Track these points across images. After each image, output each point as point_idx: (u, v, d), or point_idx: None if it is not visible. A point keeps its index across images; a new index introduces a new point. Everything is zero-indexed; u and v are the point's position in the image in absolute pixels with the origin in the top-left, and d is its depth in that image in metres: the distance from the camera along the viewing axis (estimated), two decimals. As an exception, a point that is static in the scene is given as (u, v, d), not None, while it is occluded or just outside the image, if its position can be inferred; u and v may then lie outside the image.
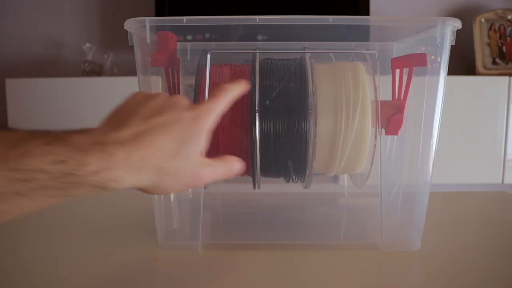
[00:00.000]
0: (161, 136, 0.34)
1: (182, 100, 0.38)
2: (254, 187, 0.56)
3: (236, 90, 0.41)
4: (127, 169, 0.32)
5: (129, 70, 1.94)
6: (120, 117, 0.35)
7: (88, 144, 0.31)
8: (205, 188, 0.58)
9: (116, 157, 0.31)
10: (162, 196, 0.55)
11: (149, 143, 0.34)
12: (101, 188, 0.32)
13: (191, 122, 0.36)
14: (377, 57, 0.53)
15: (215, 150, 0.53)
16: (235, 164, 0.41)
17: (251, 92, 0.51)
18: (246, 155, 0.53)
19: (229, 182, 0.57)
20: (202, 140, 0.37)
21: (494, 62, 1.80)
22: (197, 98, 0.53)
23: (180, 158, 0.35)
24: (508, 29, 1.81)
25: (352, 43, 0.64)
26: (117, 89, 1.59)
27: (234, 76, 0.53)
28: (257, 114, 0.50)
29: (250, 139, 0.51)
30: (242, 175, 0.53)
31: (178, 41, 0.58)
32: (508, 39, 1.80)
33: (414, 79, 0.54)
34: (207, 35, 1.40)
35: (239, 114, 0.52)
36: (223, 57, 0.57)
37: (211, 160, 0.39)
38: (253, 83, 0.51)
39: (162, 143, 0.34)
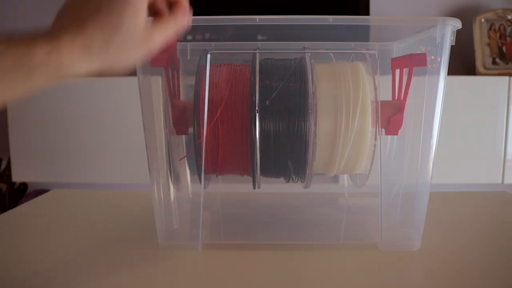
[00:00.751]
0: (102, 14, 0.36)
1: None
2: (254, 187, 0.56)
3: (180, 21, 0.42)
4: (77, 50, 0.34)
5: (129, 70, 1.93)
6: (64, 13, 0.37)
7: (35, 34, 0.33)
8: (205, 188, 0.58)
9: (63, 39, 0.33)
10: (162, 196, 0.55)
11: (91, 22, 0.35)
12: (57, 74, 0.33)
13: None
14: (377, 57, 0.53)
15: (215, 150, 0.53)
16: (183, 16, 0.42)
17: (251, 92, 0.51)
18: (246, 155, 0.53)
19: (229, 182, 0.57)
20: (140, 8, 0.37)
21: (494, 62, 1.80)
22: (197, 98, 0.53)
23: (123, 28, 0.36)
24: (508, 29, 1.81)
25: (352, 43, 0.64)
26: (117, 89, 1.59)
27: (234, 76, 0.53)
28: (257, 114, 0.50)
29: (250, 139, 0.51)
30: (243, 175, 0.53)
31: (178, 41, 0.58)
32: (508, 39, 1.80)
33: (414, 79, 0.54)
34: (207, 35, 1.40)
35: (239, 114, 0.52)
36: (223, 57, 0.57)
37: (158, 20, 0.40)
38: (253, 83, 0.51)
39: (104, 19, 0.36)
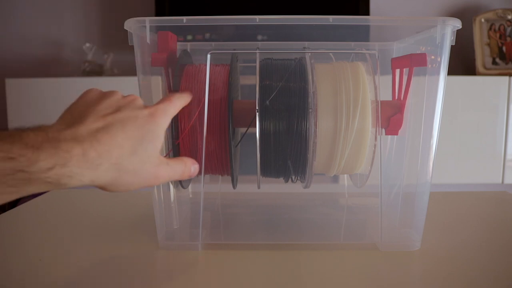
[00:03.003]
0: (119, 133, 0.35)
1: (137, 99, 0.39)
2: (234, 187, 0.56)
3: (185, 98, 0.44)
4: (85, 165, 0.32)
5: (129, 70, 1.94)
6: (76, 114, 0.35)
7: (40, 141, 0.30)
8: (185, 188, 0.58)
9: (71, 154, 0.31)
10: (162, 196, 0.55)
11: (106, 139, 0.34)
12: (57, 184, 0.31)
13: (147, 119, 0.37)
14: (377, 57, 0.53)
15: (194, 150, 0.53)
16: (191, 166, 0.42)
17: (229, 92, 0.51)
18: (226, 155, 0.53)
19: (229, 182, 0.57)
20: (159, 139, 0.38)
21: (494, 62, 1.80)
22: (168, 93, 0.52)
23: (138, 156, 0.36)
24: (508, 29, 1.81)
25: (352, 43, 0.64)
26: (117, 89, 1.59)
27: (213, 76, 0.53)
28: (257, 114, 0.50)
29: (228, 139, 0.51)
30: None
31: (178, 41, 0.58)
32: (508, 39, 1.80)
33: (414, 79, 0.54)
34: (207, 35, 1.40)
35: (218, 114, 0.52)
36: (223, 57, 0.57)
37: (169, 159, 0.40)
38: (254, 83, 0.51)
39: (120, 140, 0.34)
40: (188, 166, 0.42)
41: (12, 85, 1.69)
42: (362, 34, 0.59)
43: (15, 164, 0.29)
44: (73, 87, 1.67)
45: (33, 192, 0.31)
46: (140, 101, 0.39)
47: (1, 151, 0.28)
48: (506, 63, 1.80)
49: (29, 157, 0.29)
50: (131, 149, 0.35)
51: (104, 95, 0.38)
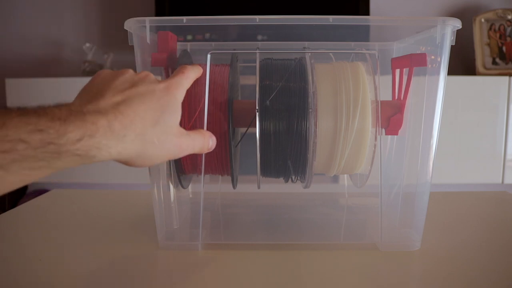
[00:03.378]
0: (139, 106, 0.36)
1: (149, 74, 0.40)
2: (234, 187, 0.56)
3: (196, 70, 0.45)
4: (111, 136, 0.33)
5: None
6: (93, 92, 0.36)
7: (66, 114, 0.31)
8: (184, 188, 0.58)
9: (98, 125, 0.32)
10: (162, 196, 0.55)
11: (129, 112, 0.35)
12: (86, 157, 0.31)
13: (164, 92, 0.38)
14: (377, 57, 0.53)
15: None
16: (209, 139, 0.43)
17: (229, 92, 0.51)
18: (226, 155, 0.53)
19: (229, 182, 0.57)
20: (178, 111, 0.39)
21: (494, 62, 1.80)
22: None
23: (159, 126, 0.37)
24: (508, 29, 1.81)
25: (352, 43, 0.64)
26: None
27: (213, 76, 0.53)
28: (257, 114, 0.50)
29: (228, 139, 0.51)
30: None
31: (178, 41, 0.58)
32: (508, 39, 1.80)
33: (414, 79, 0.54)
34: (207, 35, 1.40)
35: (218, 114, 0.52)
36: (223, 57, 0.57)
37: (189, 131, 0.41)
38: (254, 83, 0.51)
39: (141, 112, 0.36)
40: (206, 139, 0.43)
41: (12, 85, 1.69)
42: (362, 34, 0.59)
43: (45, 136, 0.29)
44: (73, 87, 1.67)
45: (63, 168, 0.31)
46: (153, 76, 0.40)
47: (29, 124, 0.29)
48: (506, 63, 1.80)
49: (57, 129, 0.30)
50: (152, 120, 0.36)
51: (118, 73, 0.39)
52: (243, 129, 0.54)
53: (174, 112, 0.39)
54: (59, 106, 0.32)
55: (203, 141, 0.43)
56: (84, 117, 0.31)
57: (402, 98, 0.56)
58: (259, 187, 0.56)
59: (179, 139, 0.39)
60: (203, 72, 0.52)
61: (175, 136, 0.38)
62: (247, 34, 0.60)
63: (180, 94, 0.40)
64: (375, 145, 0.53)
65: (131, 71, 0.40)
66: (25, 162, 0.29)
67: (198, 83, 0.52)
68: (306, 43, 0.62)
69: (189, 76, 0.43)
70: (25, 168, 0.29)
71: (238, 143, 0.57)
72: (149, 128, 0.36)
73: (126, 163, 0.36)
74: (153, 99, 0.37)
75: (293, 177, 0.56)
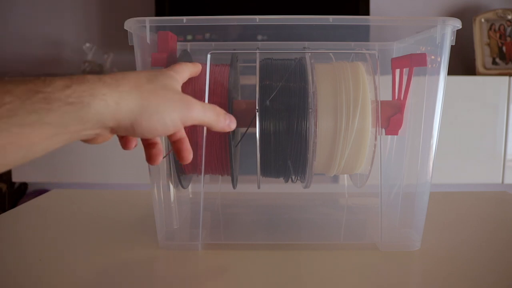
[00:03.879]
0: (132, 73, 0.36)
1: None
2: (234, 187, 0.56)
3: (195, 65, 0.46)
4: (103, 85, 0.32)
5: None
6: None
7: (53, 79, 0.30)
8: (185, 188, 0.58)
9: (86, 78, 0.31)
10: (162, 196, 0.55)
11: (120, 75, 0.34)
12: (80, 105, 0.30)
13: (158, 71, 0.39)
14: (377, 57, 0.53)
15: (194, 150, 0.53)
16: (224, 116, 0.42)
17: (229, 92, 0.51)
18: (226, 155, 0.53)
19: (229, 182, 0.57)
20: (175, 78, 0.39)
21: (494, 62, 1.80)
22: None
23: (156, 83, 0.36)
24: (508, 29, 1.81)
25: (352, 43, 0.64)
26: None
27: (213, 76, 0.53)
28: (257, 114, 0.50)
29: (228, 139, 0.51)
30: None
31: (178, 41, 0.58)
32: (508, 39, 1.80)
33: (414, 79, 0.54)
34: (207, 35, 1.40)
35: None
36: (223, 57, 0.57)
37: (203, 103, 0.40)
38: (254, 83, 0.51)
39: (134, 74, 0.36)
40: (220, 116, 0.41)
41: (12, 85, 1.69)
42: (362, 34, 0.59)
43: (31, 86, 0.28)
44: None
45: (59, 124, 0.29)
46: None
47: (16, 81, 0.28)
48: (506, 63, 1.80)
49: (43, 80, 0.29)
50: (147, 80, 0.36)
51: None
52: (243, 129, 0.54)
53: (170, 77, 0.38)
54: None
55: (215, 113, 0.40)
56: (73, 76, 0.31)
57: (402, 98, 0.56)
58: (259, 187, 0.56)
59: (185, 96, 0.37)
60: (203, 72, 0.52)
61: (178, 93, 0.37)
62: (247, 34, 0.60)
63: (174, 71, 0.40)
64: (375, 145, 0.53)
65: None
66: (14, 116, 0.27)
67: (198, 83, 0.52)
68: (306, 43, 0.62)
69: (186, 65, 0.43)
70: (15, 124, 0.27)
71: (238, 143, 0.57)
72: (144, 83, 0.35)
73: (132, 124, 0.33)
74: (146, 71, 0.37)
75: (293, 177, 0.56)
